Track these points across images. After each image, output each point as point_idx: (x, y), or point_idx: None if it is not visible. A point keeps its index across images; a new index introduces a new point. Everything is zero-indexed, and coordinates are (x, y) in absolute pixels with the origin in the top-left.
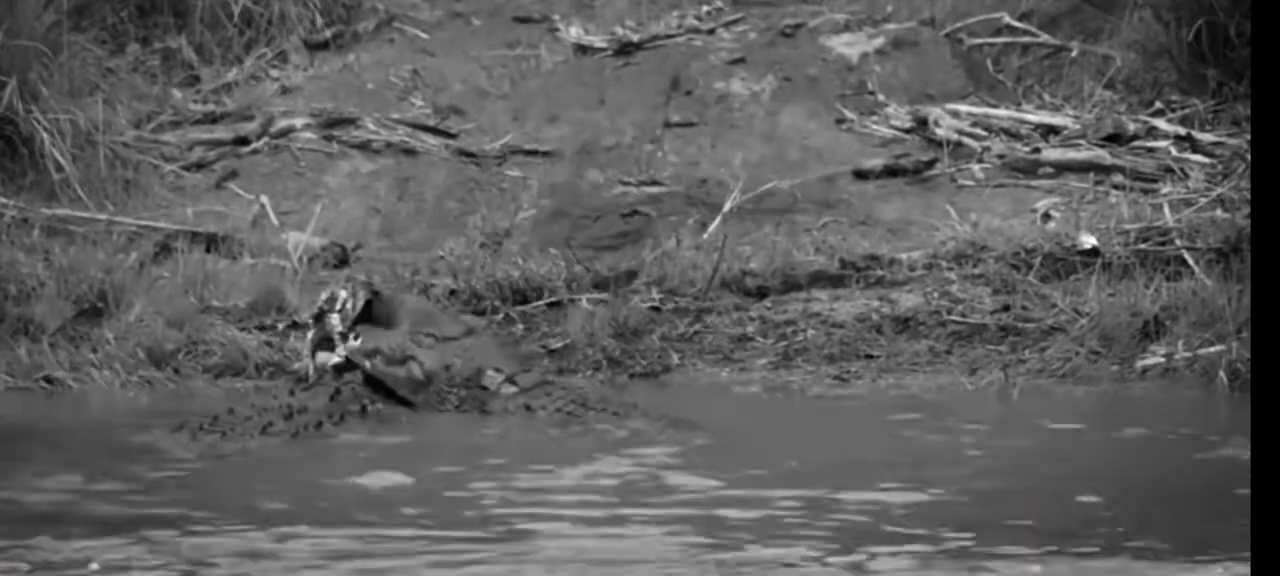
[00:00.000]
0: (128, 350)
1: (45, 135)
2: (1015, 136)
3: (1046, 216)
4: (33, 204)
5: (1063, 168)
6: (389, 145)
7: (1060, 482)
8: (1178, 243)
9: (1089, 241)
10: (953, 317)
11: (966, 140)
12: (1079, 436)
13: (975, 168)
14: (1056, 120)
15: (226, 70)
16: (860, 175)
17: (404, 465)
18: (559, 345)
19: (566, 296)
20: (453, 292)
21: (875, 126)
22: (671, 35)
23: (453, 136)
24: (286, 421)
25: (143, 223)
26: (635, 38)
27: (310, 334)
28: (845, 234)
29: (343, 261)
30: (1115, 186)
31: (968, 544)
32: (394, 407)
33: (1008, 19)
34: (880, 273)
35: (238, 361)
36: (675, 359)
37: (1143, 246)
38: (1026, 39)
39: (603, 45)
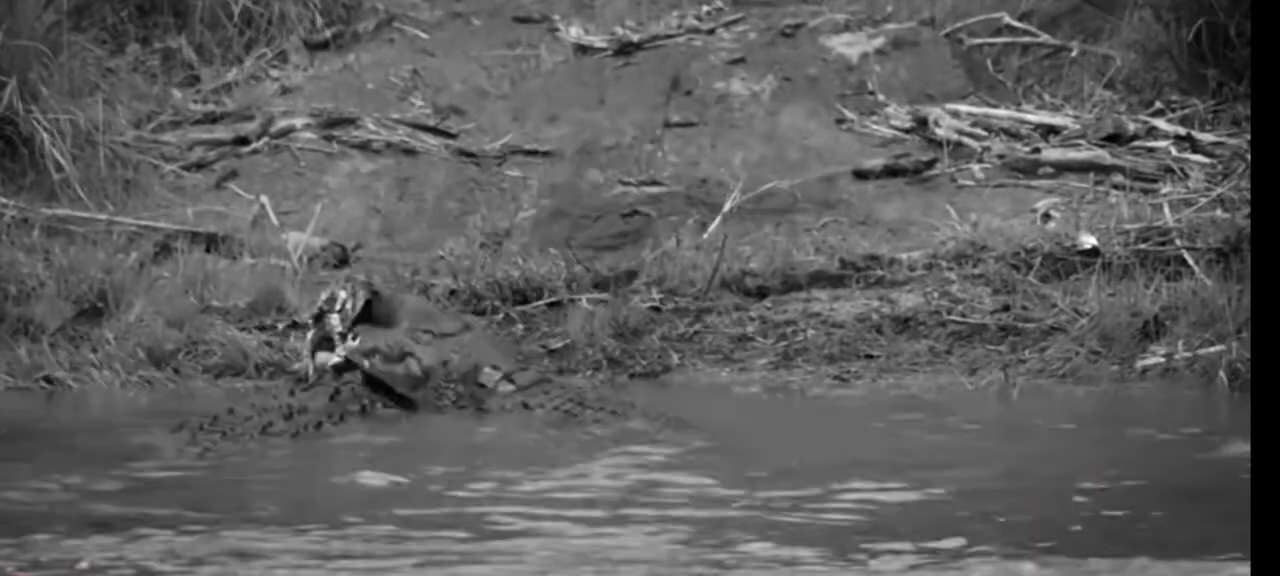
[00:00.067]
0: (128, 350)
1: (45, 135)
2: (1015, 136)
3: (1046, 216)
4: (33, 204)
5: (1063, 168)
6: (389, 145)
7: (1060, 482)
8: (1178, 243)
9: (1089, 241)
10: (953, 317)
11: (966, 140)
12: (1079, 436)
13: (975, 168)
14: (1056, 120)
15: (226, 70)
16: (860, 175)
17: (402, 466)
18: (559, 345)
19: (566, 296)
20: (453, 292)
21: (875, 126)
22: (671, 35)
23: (453, 136)
24: (286, 421)
25: (143, 223)
26: (635, 38)
27: (310, 334)
28: (845, 234)
29: (343, 261)
30: (1115, 186)
31: (967, 543)
32: (393, 408)
33: (1008, 19)
34: (880, 273)
35: (238, 361)
36: (675, 359)
37: (1143, 246)
38: (1026, 39)
39: (603, 45)
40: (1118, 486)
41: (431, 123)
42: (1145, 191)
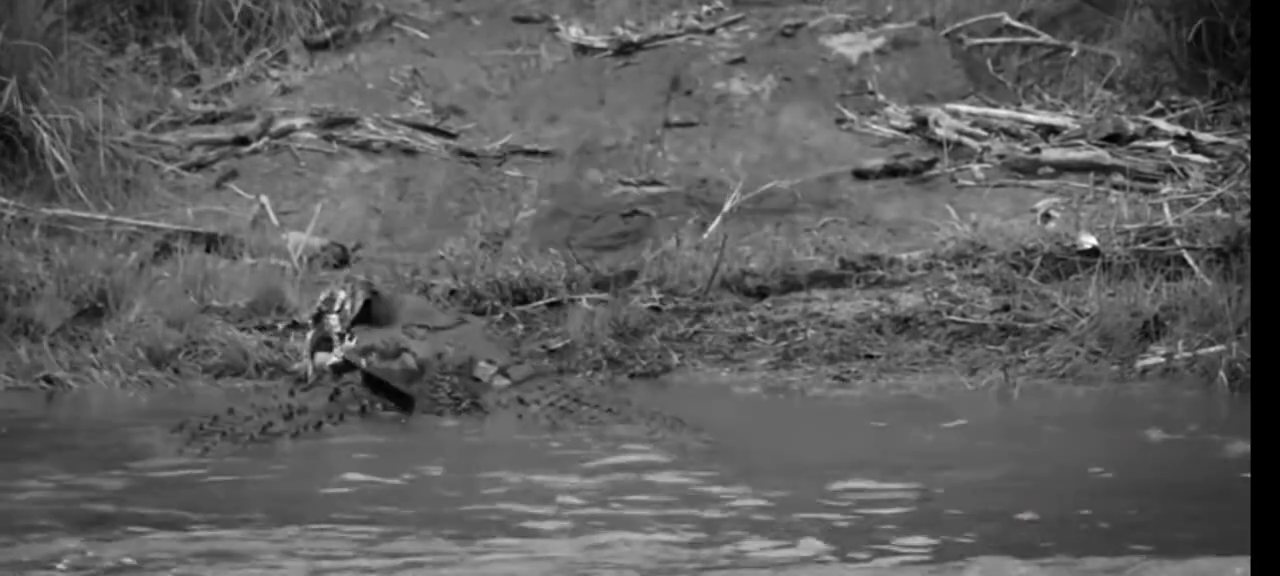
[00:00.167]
0: (128, 350)
1: (45, 135)
2: (1015, 136)
3: (1046, 216)
4: (33, 204)
5: (1063, 168)
6: (389, 145)
7: (1059, 482)
8: (1178, 243)
9: (1089, 241)
10: (953, 317)
11: (966, 140)
12: (1079, 436)
13: (975, 168)
14: (1056, 120)
15: (226, 70)
16: (860, 175)
17: (400, 466)
18: (559, 345)
19: (566, 296)
20: (453, 292)
21: (875, 126)
22: (671, 35)
23: (453, 136)
24: (286, 421)
25: (143, 223)
26: (635, 38)
27: (310, 334)
28: (845, 234)
29: (343, 261)
30: (1115, 186)
31: (967, 543)
32: (393, 408)
33: (1008, 19)
34: (880, 273)
35: (238, 361)
36: (675, 359)
37: (1143, 246)
38: (1026, 39)
39: (603, 45)
40: (1117, 486)
41: (431, 123)
42: (1145, 191)
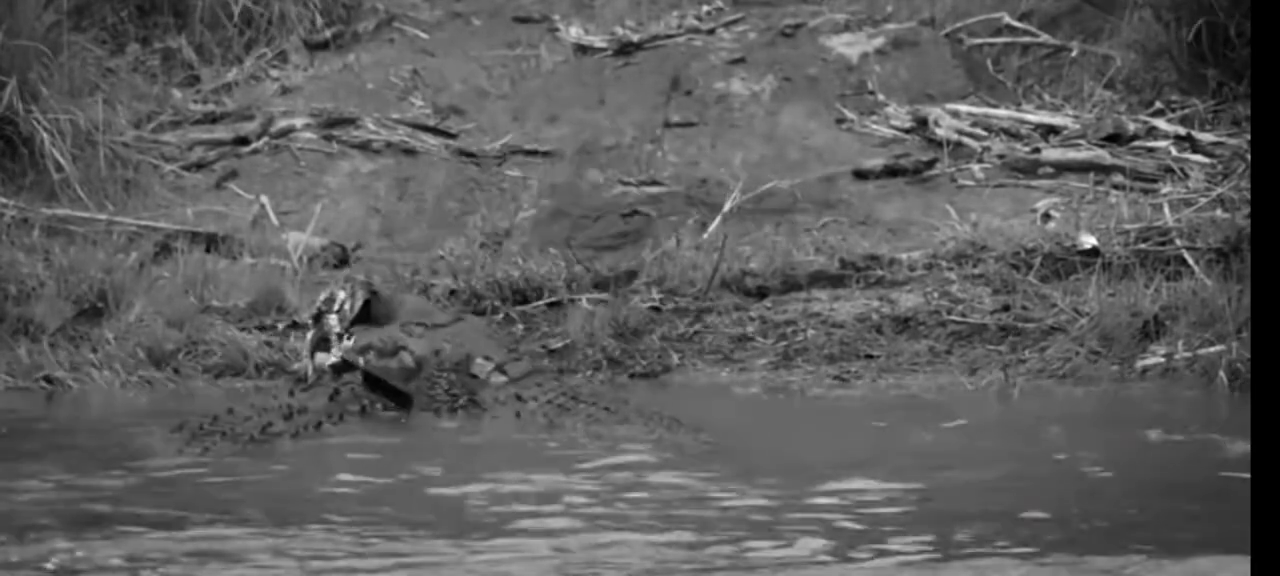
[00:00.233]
0: (128, 350)
1: (45, 135)
2: (1015, 136)
3: (1046, 216)
4: (33, 204)
5: (1063, 168)
6: (389, 145)
7: (1059, 482)
8: (1178, 242)
9: (1089, 241)
10: (953, 317)
11: (966, 140)
12: (1079, 436)
13: (975, 168)
14: (1056, 120)
15: (226, 70)
16: (860, 175)
17: (399, 466)
18: (559, 345)
19: (566, 296)
20: (453, 292)
21: (875, 126)
22: (671, 35)
23: (453, 136)
24: (286, 421)
25: (143, 223)
26: (635, 38)
27: (310, 334)
28: (845, 234)
29: (343, 261)
30: (1115, 186)
31: (967, 542)
32: (393, 408)
33: (1008, 19)
34: (880, 273)
35: (238, 361)
36: (675, 359)
37: (1143, 246)
38: (1026, 39)
39: (603, 45)
40: (1117, 486)
41: (431, 123)
42: (1145, 191)
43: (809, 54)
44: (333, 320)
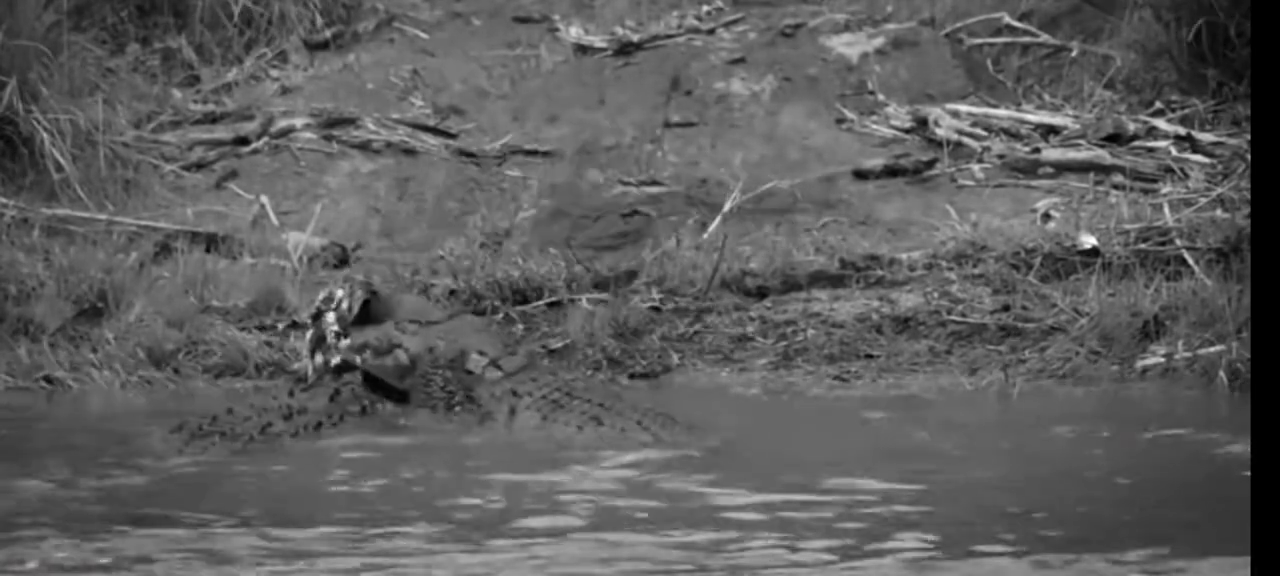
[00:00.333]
0: (128, 350)
1: (45, 135)
2: (1015, 136)
3: (1046, 216)
4: (33, 204)
5: (1063, 168)
6: (389, 145)
7: (1059, 482)
8: (1178, 242)
9: (1089, 241)
10: (953, 317)
11: (966, 140)
12: (1078, 436)
13: (975, 168)
14: (1056, 120)
15: (226, 70)
16: (860, 175)
17: (398, 466)
18: (559, 345)
19: (566, 296)
20: (453, 293)
21: (875, 126)
22: (671, 35)
23: (453, 136)
24: (286, 422)
25: (143, 223)
26: (635, 38)
27: (309, 334)
28: (845, 234)
29: (343, 261)
30: (1115, 186)
31: (966, 543)
32: (393, 405)
33: (1008, 19)
34: (880, 272)
35: (238, 361)
36: (675, 359)
37: (1143, 246)
38: (1026, 39)
39: (603, 45)
40: (1117, 486)
41: (431, 123)
42: (1145, 191)
43: (809, 54)
44: (330, 318)
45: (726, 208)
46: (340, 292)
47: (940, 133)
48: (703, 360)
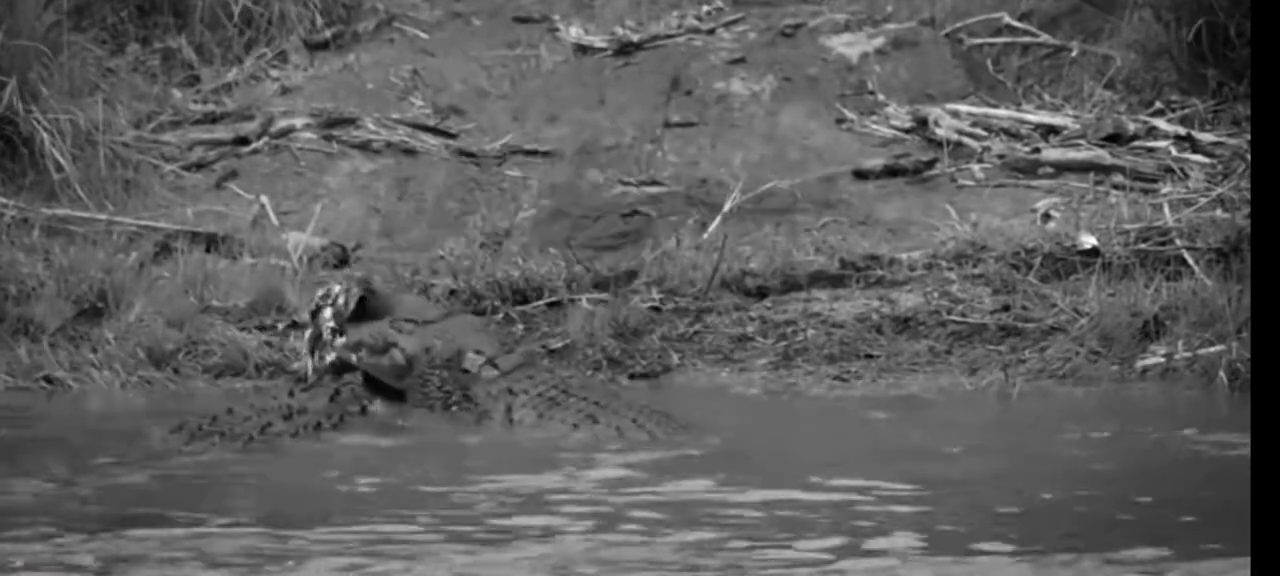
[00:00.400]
0: (128, 350)
1: (45, 135)
2: (1015, 136)
3: (1046, 216)
4: (33, 204)
5: (1063, 168)
6: (389, 145)
7: (1059, 482)
8: (1178, 242)
9: (1089, 241)
10: (953, 317)
11: (966, 140)
12: (1078, 436)
13: (975, 168)
14: (1056, 120)
15: (226, 70)
16: (860, 175)
17: (397, 466)
18: (559, 345)
19: (566, 296)
20: (453, 292)
21: (875, 126)
22: (671, 35)
23: (453, 136)
24: (286, 422)
25: (143, 223)
26: (635, 38)
27: (308, 332)
28: (845, 234)
29: (343, 261)
30: (1115, 186)
31: (966, 543)
32: (390, 406)
33: (1008, 19)
34: (880, 272)
35: (238, 361)
36: (675, 359)
37: (1143, 246)
38: (1026, 39)
39: (603, 45)
40: (1117, 486)
41: (431, 123)
42: (1145, 191)
43: (809, 54)
44: (327, 314)
45: (726, 208)
46: (338, 289)
47: (940, 133)
48: (703, 360)
